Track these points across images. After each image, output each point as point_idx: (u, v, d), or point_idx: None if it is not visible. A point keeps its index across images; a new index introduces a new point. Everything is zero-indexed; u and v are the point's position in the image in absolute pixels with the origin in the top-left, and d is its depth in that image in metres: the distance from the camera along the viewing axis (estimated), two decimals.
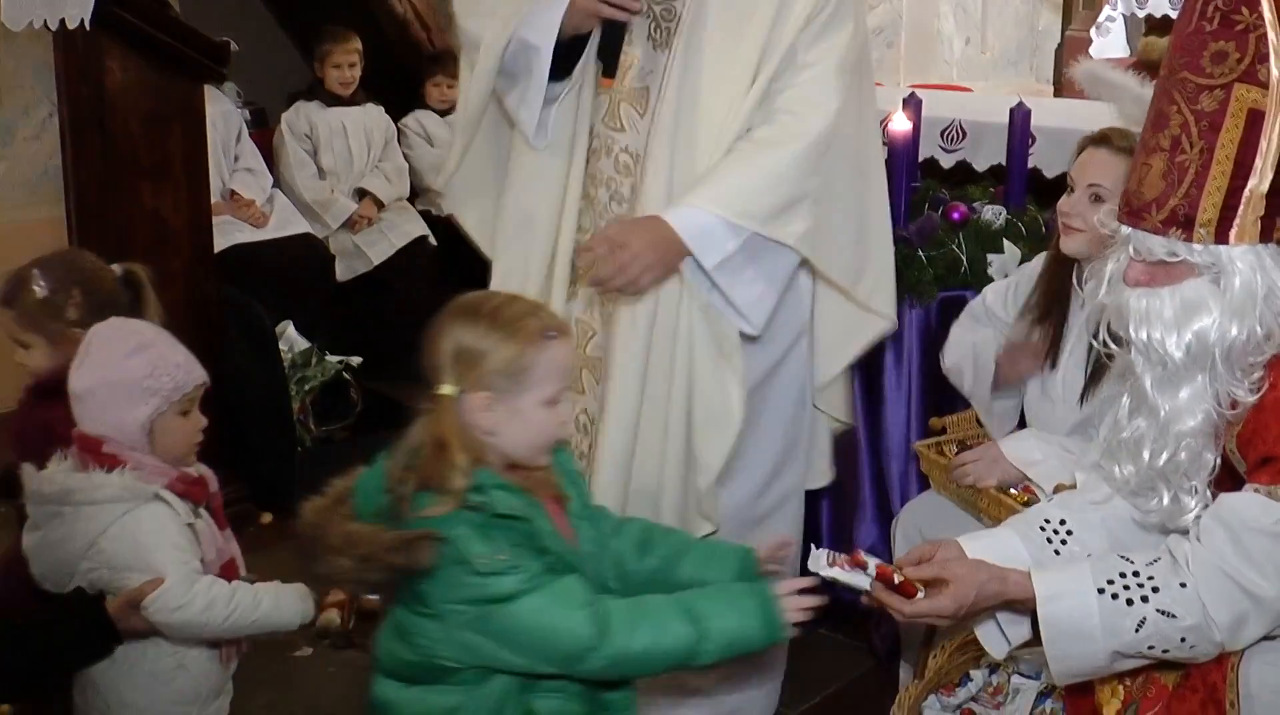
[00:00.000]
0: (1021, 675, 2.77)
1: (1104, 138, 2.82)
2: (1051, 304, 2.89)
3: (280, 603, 2.46)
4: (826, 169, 2.66)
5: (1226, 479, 2.17)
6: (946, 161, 4.12)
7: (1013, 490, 2.89)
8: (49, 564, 2.46)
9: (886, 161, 3.34)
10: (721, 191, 2.60)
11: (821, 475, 3.11)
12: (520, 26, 2.71)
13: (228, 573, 2.51)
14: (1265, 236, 2.06)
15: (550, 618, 1.95)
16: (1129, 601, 2.08)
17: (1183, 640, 2.08)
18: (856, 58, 2.72)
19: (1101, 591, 2.09)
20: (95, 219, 3.89)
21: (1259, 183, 2.02)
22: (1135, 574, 2.10)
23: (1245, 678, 2.11)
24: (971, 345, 3.02)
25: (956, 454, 3.01)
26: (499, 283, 2.92)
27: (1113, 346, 2.19)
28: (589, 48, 2.75)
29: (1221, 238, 2.04)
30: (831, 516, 3.72)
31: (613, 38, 2.72)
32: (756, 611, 2.05)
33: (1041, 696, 2.69)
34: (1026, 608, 2.19)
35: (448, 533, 1.95)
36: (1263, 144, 2.02)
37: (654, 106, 2.72)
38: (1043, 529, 2.33)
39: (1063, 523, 2.34)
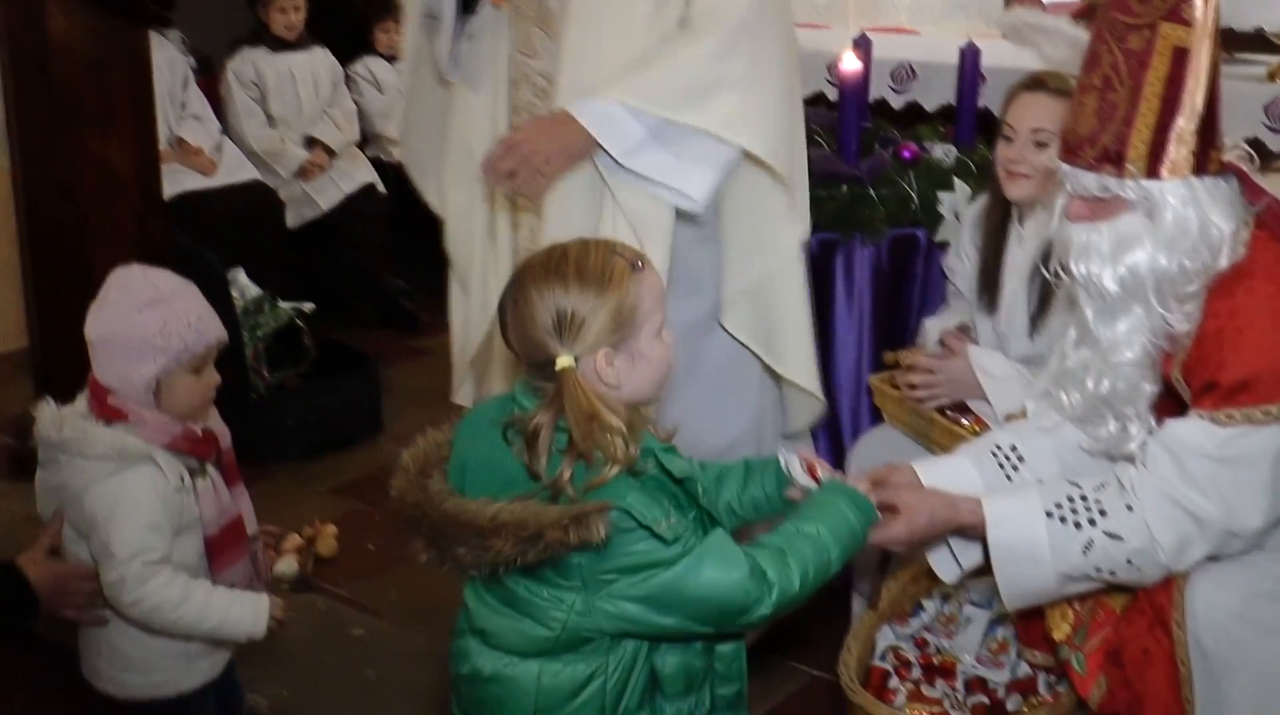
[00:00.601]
0: (973, 605, 2.81)
1: (1038, 82, 2.85)
2: (991, 246, 2.94)
3: (230, 616, 2.38)
4: (751, 53, 2.59)
5: (1173, 407, 2.21)
6: (897, 102, 4.13)
7: (964, 421, 2.93)
8: (47, 505, 2.47)
9: (837, 103, 3.35)
10: (629, 83, 2.56)
11: (803, 415, 3.11)
12: None
13: (233, 531, 2.49)
14: (1199, 169, 2.08)
15: (718, 577, 1.88)
16: (1076, 525, 2.13)
17: (1129, 562, 2.13)
18: None
19: (1050, 515, 2.14)
20: (41, 167, 3.84)
21: (1187, 120, 2.05)
22: (1083, 498, 2.15)
23: (1191, 598, 2.15)
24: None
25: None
26: (453, 223, 2.91)
27: (1063, 277, 2.22)
28: None
29: (1153, 173, 2.07)
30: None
31: None
32: (848, 505, 2.05)
33: (993, 624, 2.73)
34: (977, 533, 2.23)
35: (620, 502, 1.84)
36: (1189, 81, 2.04)
37: (559, 29, 2.68)
38: (994, 455, 2.38)
39: (1014, 449, 2.38)
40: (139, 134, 3.89)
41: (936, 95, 4.06)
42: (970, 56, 3.64)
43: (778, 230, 2.86)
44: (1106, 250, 2.12)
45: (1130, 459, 2.22)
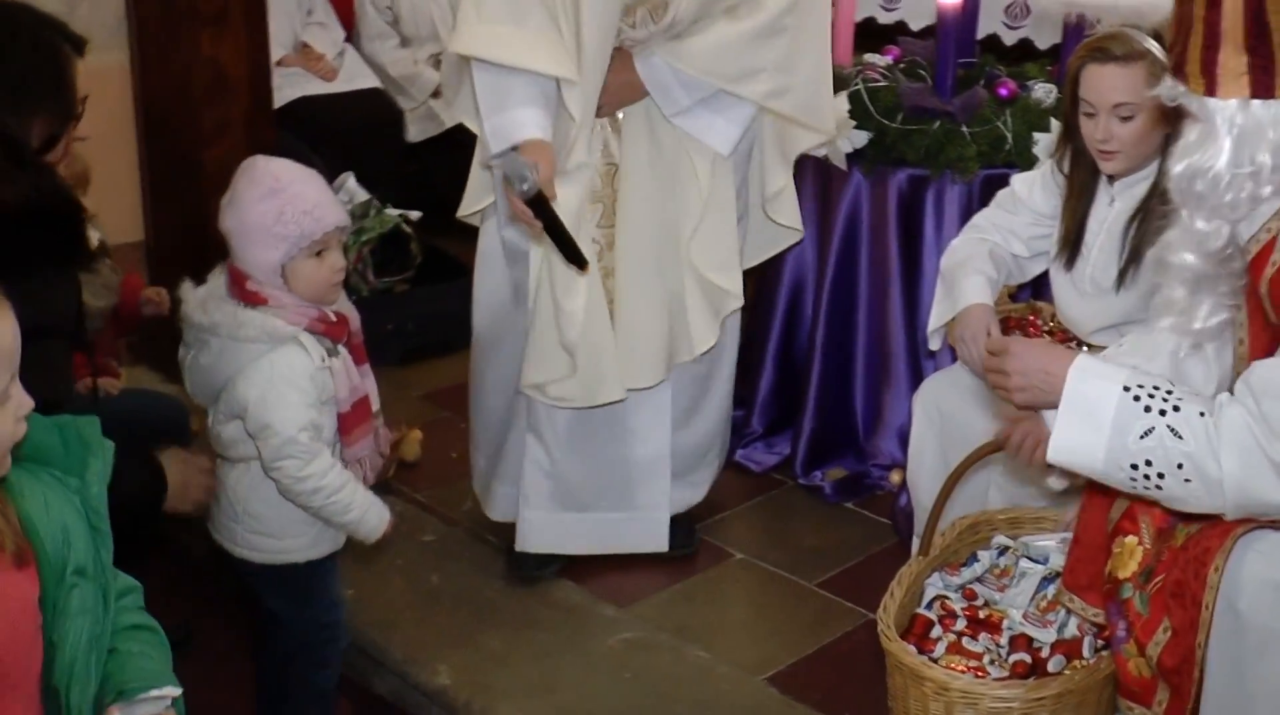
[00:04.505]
0: (1030, 560, 2.66)
1: (1105, 52, 2.64)
2: (1077, 203, 2.77)
3: (367, 516, 2.51)
4: (794, 26, 2.88)
5: (1262, 332, 2.09)
6: (1009, 38, 3.89)
7: None
8: (197, 384, 2.55)
9: (935, 32, 3.18)
10: (688, 50, 2.86)
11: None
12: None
13: (361, 408, 2.56)
14: (1257, 92, 1.98)
15: None
16: (1146, 408, 2.02)
17: (1180, 467, 1.99)
18: None
19: (1127, 390, 2.03)
20: (157, 67, 3.84)
21: (1231, 46, 1.97)
22: (1168, 392, 2.03)
23: (1238, 561, 2.03)
24: (965, 258, 2.90)
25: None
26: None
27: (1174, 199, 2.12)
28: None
29: (1210, 90, 1.99)
30: (867, 389, 3.61)
31: None
32: None
33: (1045, 581, 2.58)
34: None
35: None
36: (1225, 4, 1.96)
37: None
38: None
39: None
40: (251, 37, 3.86)
41: (1049, 34, 3.81)
42: None
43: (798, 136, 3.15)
44: (1179, 151, 2.05)
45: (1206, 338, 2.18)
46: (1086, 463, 2.08)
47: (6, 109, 2.10)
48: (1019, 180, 2.93)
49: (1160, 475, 2.01)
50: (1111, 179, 2.73)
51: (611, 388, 2.98)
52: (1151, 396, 2.02)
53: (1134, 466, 2.03)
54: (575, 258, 2.75)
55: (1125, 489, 2.10)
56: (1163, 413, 2.01)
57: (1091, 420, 2.04)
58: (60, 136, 2.23)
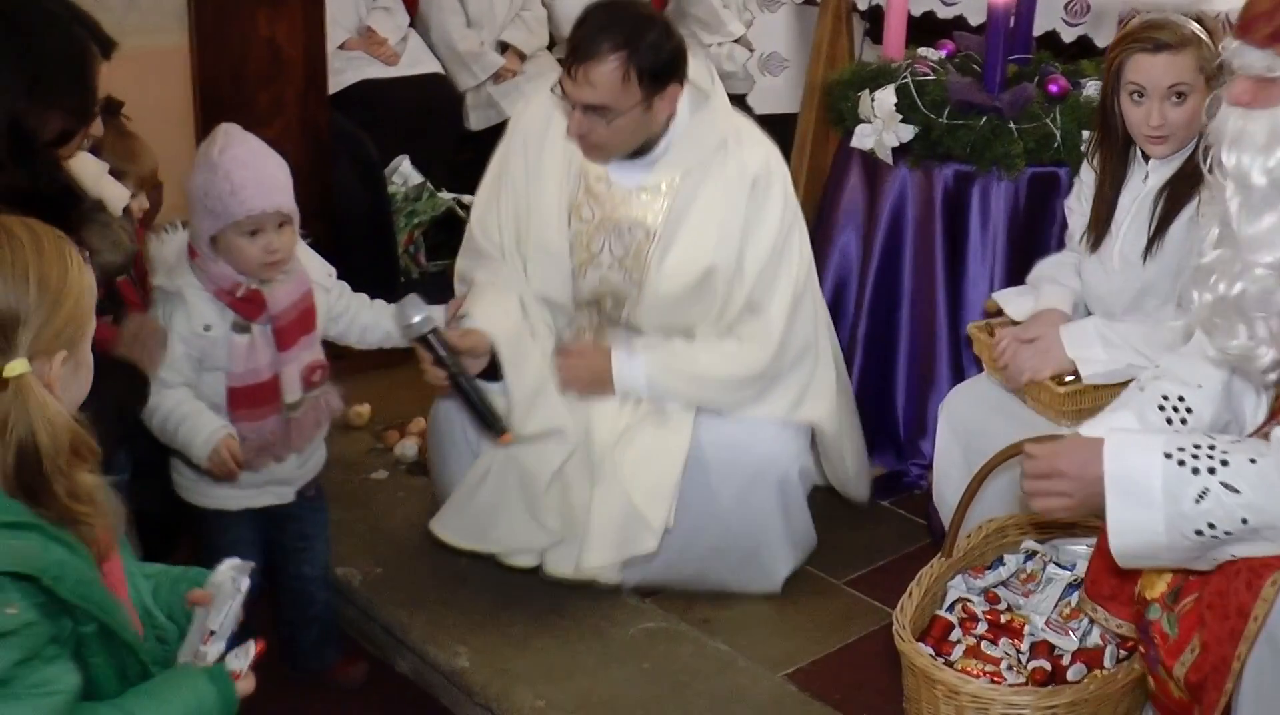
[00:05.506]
0: (1057, 566, 2.59)
1: (1156, 43, 2.59)
2: (1109, 185, 2.73)
3: (181, 431, 2.53)
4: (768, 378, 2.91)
5: None
6: (1068, 35, 3.78)
7: (1068, 378, 2.68)
8: None
9: (985, 28, 3.10)
10: (663, 369, 2.86)
11: None
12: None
13: (259, 391, 2.59)
14: None
15: None
16: (1194, 471, 1.92)
17: (1244, 522, 1.90)
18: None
19: (1169, 456, 1.93)
20: (215, 46, 3.84)
21: None
22: (1211, 447, 1.94)
23: None
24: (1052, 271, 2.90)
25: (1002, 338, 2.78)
26: None
27: (1215, 174, 2.02)
28: None
29: None
30: (908, 387, 3.54)
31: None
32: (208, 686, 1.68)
33: (1070, 588, 2.51)
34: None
35: None
36: None
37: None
38: (1162, 407, 2.18)
39: (1181, 399, 2.18)
40: (308, 17, 3.87)
41: (1108, 31, 3.69)
42: None
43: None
44: (1261, 141, 1.93)
45: (1261, 376, 2.04)
46: (1149, 541, 1.98)
47: (26, 97, 2.09)
48: (1069, 202, 2.92)
49: (1227, 532, 1.92)
50: (1147, 157, 2.70)
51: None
52: (1196, 456, 1.93)
53: (1198, 532, 1.94)
54: (491, 422, 2.71)
55: (1196, 556, 1.99)
56: (1212, 471, 1.92)
57: (1142, 497, 1.94)
58: (74, 133, 2.22)
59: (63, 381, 1.59)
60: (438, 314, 2.71)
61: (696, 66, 2.85)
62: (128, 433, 2.49)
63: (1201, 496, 1.91)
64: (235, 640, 1.72)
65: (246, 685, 1.69)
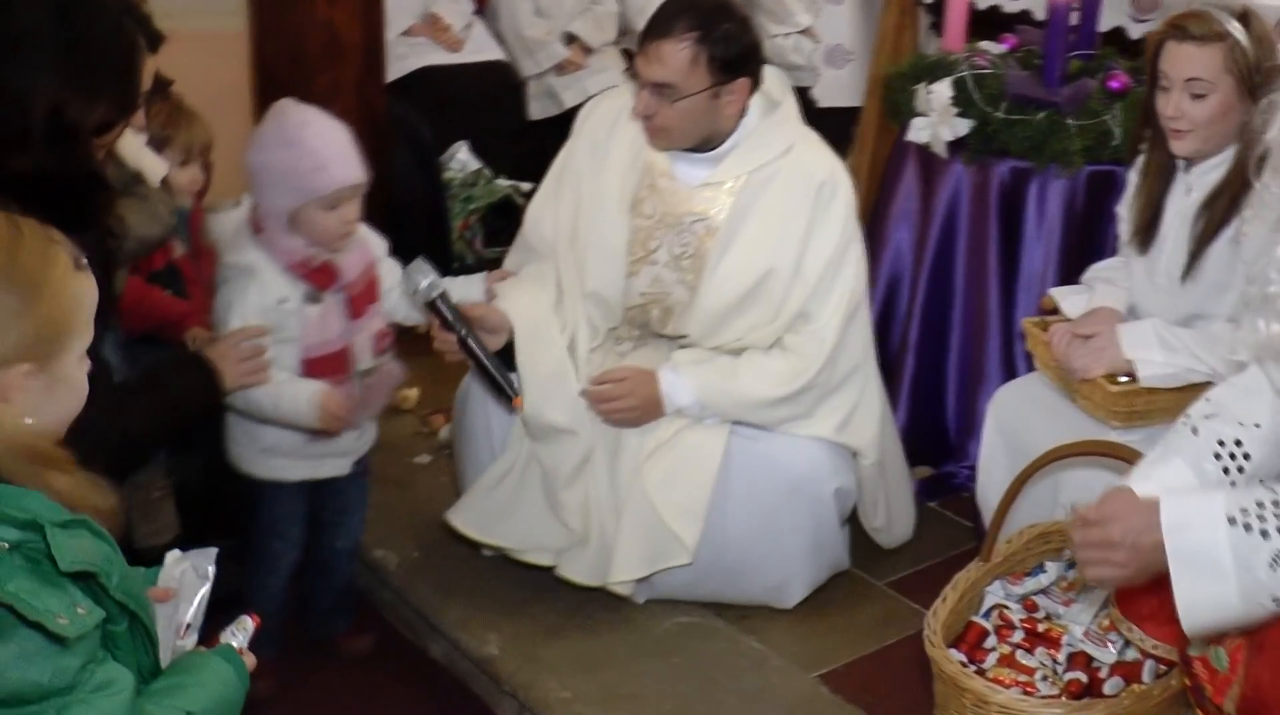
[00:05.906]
0: None
1: (1183, 30, 2.50)
2: (1152, 189, 2.65)
3: (281, 401, 2.53)
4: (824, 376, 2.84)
5: None
6: (1135, 31, 3.67)
7: (1121, 378, 2.60)
8: None
9: (1045, 23, 3.01)
10: (711, 389, 2.80)
11: None
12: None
13: (332, 360, 2.59)
14: None
15: None
16: (1264, 533, 1.74)
17: None
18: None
19: (1232, 522, 1.75)
20: (274, 31, 3.85)
21: None
22: (1276, 504, 1.75)
23: None
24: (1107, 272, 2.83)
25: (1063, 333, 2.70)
26: None
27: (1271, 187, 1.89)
28: None
29: None
30: (959, 388, 3.46)
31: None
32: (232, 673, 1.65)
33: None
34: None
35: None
36: None
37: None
38: (1218, 456, 1.97)
39: (1239, 444, 1.97)
40: (367, 3, 3.86)
41: None
42: None
43: None
44: None
45: None
46: (1224, 614, 1.80)
47: (70, 86, 2.08)
48: (1120, 207, 2.83)
49: None
50: (1189, 166, 2.60)
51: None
52: (1262, 517, 1.75)
53: (1275, 600, 1.77)
54: (501, 390, 2.69)
55: (1271, 619, 1.83)
56: None
57: (1212, 571, 1.76)
58: (114, 124, 2.21)
59: (30, 397, 1.44)
60: (461, 285, 2.75)
61: (770, 76, 2.83)
62: (194, 430, 2.51)
63: (1276, 560, 1.75)
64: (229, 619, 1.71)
65: (248, 661, 1.67)
